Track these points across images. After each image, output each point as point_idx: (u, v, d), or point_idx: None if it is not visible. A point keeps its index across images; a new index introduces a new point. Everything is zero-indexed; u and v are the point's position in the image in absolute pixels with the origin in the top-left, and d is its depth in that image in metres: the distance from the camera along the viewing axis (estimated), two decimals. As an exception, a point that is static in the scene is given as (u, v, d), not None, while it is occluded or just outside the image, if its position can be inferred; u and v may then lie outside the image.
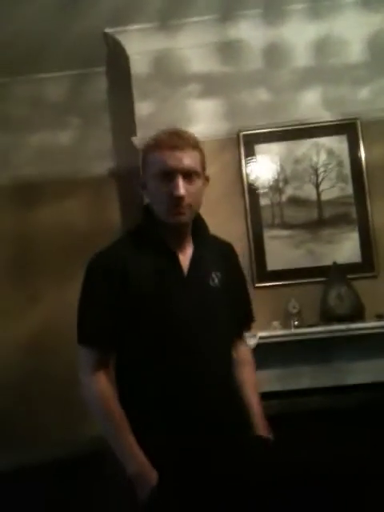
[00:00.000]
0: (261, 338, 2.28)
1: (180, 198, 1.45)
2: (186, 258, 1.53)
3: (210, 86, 2.70)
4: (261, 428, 1.56)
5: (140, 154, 2.55)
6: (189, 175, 1.46)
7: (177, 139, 1.46)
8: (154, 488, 1.41)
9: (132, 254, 1.50)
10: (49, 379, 2.77)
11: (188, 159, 1.45)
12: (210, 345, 1.50)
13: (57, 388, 2.70)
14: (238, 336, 1.66)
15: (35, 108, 3.06)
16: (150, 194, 1.51)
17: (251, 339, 2.07)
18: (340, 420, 2.48)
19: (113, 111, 3.05)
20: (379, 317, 2.47)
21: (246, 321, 1.70)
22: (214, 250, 1.60)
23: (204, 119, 2.67)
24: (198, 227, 1.57)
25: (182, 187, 1.44)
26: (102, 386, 1.48)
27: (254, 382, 1.63)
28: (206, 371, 1.49)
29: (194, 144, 1.49)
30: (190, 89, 2.71)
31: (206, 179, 1.54)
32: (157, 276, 1.49)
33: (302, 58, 2.70)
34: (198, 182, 1.49)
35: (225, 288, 1.55)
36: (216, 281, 1.53)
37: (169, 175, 1.45)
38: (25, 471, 2.52)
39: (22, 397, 2.78)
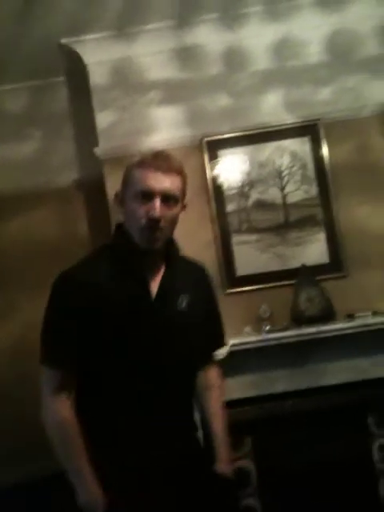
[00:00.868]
0: (233, 345, 2.26)
1: (156, 220, 1.43)
2: (156, 279, 1.51)
3: (171, 92, 2.68)
4: (222, 461, 1.55)
5: (104, 166, 2.59)
6: (168, 199, 1.44)
7: (161, 162, 1.45)
8: None
9: (99, 275, 1.48)
10: (32, 384, 2.72)
11: (169, 183, 1.44)
12: (173, 369, 1.48)
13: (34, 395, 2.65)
14: (208, 359, 1.65)
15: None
16: (126, 212, 1.49)
17: (222, 348, 2.05)
18: (317, 422, 2.49)
19: (75, 121, 3.02)
20: (349, 317, 2.48)
21: (216, 345, 1.68)
22: (185, 271, 1.57)
23: (166, 127, 2.65)
24: (171, 249, 1.55)
25: (159, 209, 1.42)
26: (61, 409, 1.46)
27: (220, 409, 1.61)
28: (169, 395, 1.47)
29: (177, 169, 1.48)
30: (151, 96, 2.69)
31: (184, 207, 1.53)
32: (124, 300, 1.47)
33: (261, 60, 2.69)
34: (176, 209, 1.48)
35: (193, 312, 1.53)
36: (184, 304, 1.52)
37: (148, 196, 1.43)
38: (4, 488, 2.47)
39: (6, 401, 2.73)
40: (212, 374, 1.66)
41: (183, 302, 1.52)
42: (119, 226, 1.53)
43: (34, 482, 2.46)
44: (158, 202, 1.42)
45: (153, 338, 1.48)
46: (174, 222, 1.49)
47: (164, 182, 1.43)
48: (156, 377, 1.46)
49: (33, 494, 2.46)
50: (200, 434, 1.58)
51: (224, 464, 1.55)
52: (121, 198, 1.51)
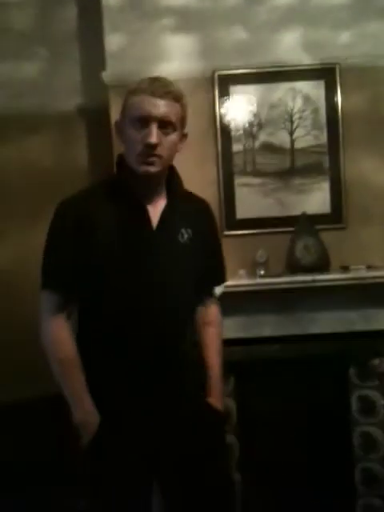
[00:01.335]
0: (227, 286, 2.26)
1: (152, 146, 1.42)
2: (156, 211, 1.51)
3: (186, 21, 2.56)
4: (214, 394, 1.58)
5: (111, 92, 2.50)
6: (164, 125, 1.43)
7: (159, 86, 1.43)
8: (95, 435, 1.44)
9: (100, 203, 1.48)
10: (17, 317, 2.73)
11: (166, 108, 1.43)
12: (172, 300, 1.50)
13: (24, 326, 2.66)
14: (208, 294, 1.66)
15: (-1, 35, 2.88)
16: (124, 139, 1.48)
17: (217, 287, 2.06)
18: (300, 368, 2.54)
19: (82, 43, 2.88)
20: (344, 269, 2.48)
21: (215, 281, 1.69)
22: (187, 206, 1.57)
23: (178, 56, 2.54)
24: (173, 182, 1.54)
25: (155, 135, 1.41)
26: (58, 330, 1.50)
27: (217, 344, 1.64)
28: (165, 324, 1.49)
29: (176, 96, 1.45)
30: (165, 23, 2.56)
31: (184, 136, 1.51)
32: (124, 228, 1.47)
33: (283, -5, 2.57)
34: (174, 135, 1.47)
35: (194, 245, 1.54)
36: (185, 237, 1.52)
37: (144, 121, 1.42)
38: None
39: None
40: (212, 311, 1.68)
41: (184, 235, 1.52)
42: (120, 157, 1.52)
43: (26, 404, 2.51)
44: (154, 128, 1.41)
45: (152, 268, 1.48)
46: (172, 150, 1.48)
47: (160, 107, 1.42)
48: (153, 305, 1.48)
49: (27, 416, 2.52)
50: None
51: (216, 398, 1.59)
52: (120, 126, 1.49)
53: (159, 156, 1.44)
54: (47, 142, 2.89)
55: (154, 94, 1.42)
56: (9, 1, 2.86)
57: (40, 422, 2.51)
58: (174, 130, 1.46)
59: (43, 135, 2.89)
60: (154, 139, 1.42)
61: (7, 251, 2.84)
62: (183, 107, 1.49)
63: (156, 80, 1.46)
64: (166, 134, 1.44)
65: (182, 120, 1.50)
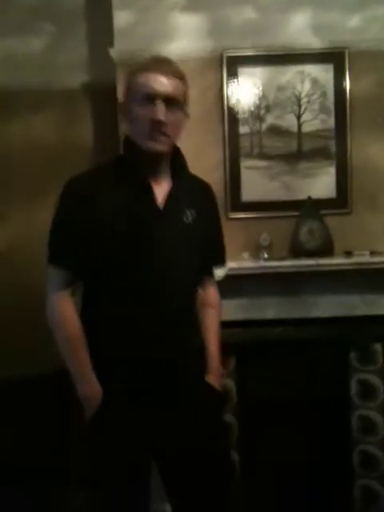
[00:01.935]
0: (230, 269, 2.27)
1: (160, 123, 1.44)
2: (162, 191, 1.52)
3: (195, -1, 2.54)
4: (212, 373, 1.61)
5: (118, 69, 2.48)
6: (171, 103, 1.45)
7: (163, 66, 1.47)
8: (98, 410, 1.47)
9: (107, 182, 1.50)
10: (19, 295, 2.74)
11: (172, 86, 1.45)
12: (177, 279, 1.51)
13: (27, 304, 2.67)
14: (207, 276, 1.67)
15: (5, 10, 2.83)
16: (131, 119, 1.49)
17: (220, 270, 2.06)
18: (301, 350, 2.56)
19: (90, 19, 2.84)
20: (347, 254, 2.49)
21: (216, 262, 1.71)
22: (191, 187, 1.59)
23: (187, 35, 2.51)
24: (178, 163, 1.56)
25: (162, 112, 1.43)
26: (63, 306, 1.52)
27: (216, 326, 1.67)
28: (169, 304, 1.51)
29: (179, 75, 1.49)
30: (174, 1, 2.53)
31: (186, 115, 1.54)
32: (130, 207, 1.49)
33: (294, -23, 2.54)
34: (179, 114, 1.49)
35: (197, 226, 1.56)
36: (189, 218, 1.54)
37: (151, 99, 1.44)
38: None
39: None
40: (211, 293, 1.70)
41: (189, 215, 1.54)
42: (126, 138, 1.54)
43: (29, 379, 2.53)
44: (160, 105, 1.44)
45: (158, 247, 1.50)
46: (177, 128, 1.50)
47: (167, 84, 1.45)
48: (159, 284, 1.50)
49: (31, 391, 2.54)
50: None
51: (214, 376, 1.61)
52: (125, 106, 1.51)
53: (166, 134, 1.46)
54: (52, 118, 2.87)
55: (158, 72, 1.45)
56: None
57: (41, 399, 2.53)
58: (179, 107, 1.49)
59: (48, 112, 2.87)
60: (161, 116, 1.44)
61: (12, 228, 2.83)
62: (186, 84, 1.52)
63: (159, 59, 1.50)
64: (172, 112, 1.46)
65: (186, 98, 1.52)
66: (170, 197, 1.52)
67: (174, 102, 1.46)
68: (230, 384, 2.56)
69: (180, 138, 1.55)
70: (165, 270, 1.49)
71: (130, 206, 1.49)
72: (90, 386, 1.48)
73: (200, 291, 1.66)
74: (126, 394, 1.48)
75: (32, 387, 2.53)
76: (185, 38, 2.52)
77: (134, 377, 1.49)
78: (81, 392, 1.49)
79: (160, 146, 1.47)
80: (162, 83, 1.44)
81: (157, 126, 1.44)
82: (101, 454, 1.51)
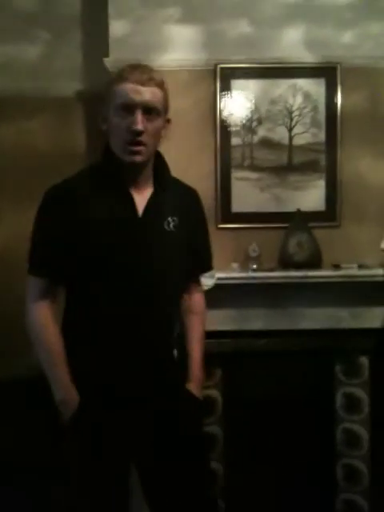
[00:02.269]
0: (219, 278, 2.28)
1: (138, 133, 1.44)
2: (143, 199, 1.52)
3: (191, 11, 2.56)
4: (194, 382, 1.61)
5: (107, 83, 2.50)
6: (149, 112, 1.45)
7: (141, 74, 1.45)
8: (74, 415, 1.47)
9: (87, 190, 1.50)
10: (12, 297, 2.73)
11: (149, 95, 1.45)
12: (157, 286, 1.51)
13: (17, 306, 2.67)
14: (193, 283, 1.67)
15: (1, 16, 2.85)
16: (110, 129, 1.50)
17: (209, 279, 2.07)
18: (287, 362, 2.57)
19: (85, 28, 2.87)
20: (335, 267, 2.51)
21: (202, 268, 1.71)
22: (174, 193, 1.59)
23: (181, 46, 2.54)
24: (160, 169, 1.56)
25: (141, 122, 1.43)
26: (42, 314, 1.51)
27: (200, 333, 1.66)
28: (150, 311, 1.51)
29: (158, 82, 1.48)
30: (170, 12, 2.55)
31: (167, 121, 1.53)
32: (110, 215, 1.48)
33: (288, -9, 2.58)
34: (159, 121, 1.49)
35: (181, 233, 1.55)
36: (171, 225, 1.54)
37: (129, 109, 1.44)
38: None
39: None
40: (197, 300, 1.70)
41: (171, 223, 1.54)
42: (106, 145, 1.54)
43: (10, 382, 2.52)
44: (139, 115, 1.44)
45: (137, 256, 1.50)
46: (157, 136, 1.50)
47: (144, 93, 1.44)
48: (138, 293, 1.50)
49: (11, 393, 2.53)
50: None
51: (195, 385, 1.61)
52: (104, 116, 1.51)
53: (145, 144, 1.46)
54: (45, 125, 2.88)
55: (136, 82, 1.44)
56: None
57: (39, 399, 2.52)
58: (159, 115, 1.48)
59: (42, 118, 2.88)
60: (139, 126, 1.44)
61: (4, 231, 2.83)
62: (165, 92, 1.51)
63: (138, 67, 1.49)
64: (151, 121, 1.46)
65: (166, 105, 1.52)
66: (150, 204, 1.52)
67: (152, 111, 1.46)
68: (216, 394, 2.56)
69: (160, 144, 1.55)
70: (145, 277, 1.49)
71: (110, 214, 1.48)
72: (65, 392, 1.48)
73: (185, 297, 1.66)
74: (104, 399, 1.48)
75: (29, 387, 2.52)
76: (179, 49, 2.54)
77: (112, 382, 1.49)
78: (57, 397, 1.49)
79: (139, 158, 1.47)
80: (140, 92, 1.44)
81: (135, 136, 1.44)
82: (77, 459, 1.51)
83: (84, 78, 2.89)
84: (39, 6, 2.88)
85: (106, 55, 2.57)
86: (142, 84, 1.45)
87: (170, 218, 1.54)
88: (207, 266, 1.72)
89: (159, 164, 1.57)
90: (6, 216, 2.85)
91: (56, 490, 2.25)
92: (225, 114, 2.58)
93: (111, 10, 2.55)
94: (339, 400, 2.59)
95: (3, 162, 2.87)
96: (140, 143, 1.46)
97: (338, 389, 2.59)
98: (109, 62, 2.54)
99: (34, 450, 2.45)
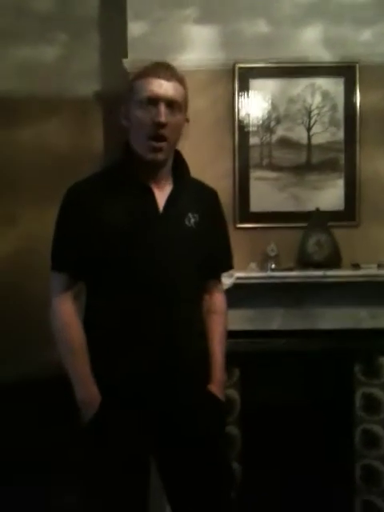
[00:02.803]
0: (237, 278, 2.28)
1: (162, 125, 1.45)
2: (163, 195, 1.53)
3: (209, 11, 2.56)
4: (215, 381, 1.59)
5: (130, 79, 2.51)
6: (171, 106, 1.47)
7: (164, 70, 1.48)
8: (96, 414, 1.47)
9: (108, 187, 1.51)
10: (27, 298, 2.76)
11: (172, 89, 1.47)
12: (177, 283, 1.51)
13: (34, 308, 2.69)
14: (213, 281, 1.66)
15: (20, 19, 2.87)
16: (132, 124, 1.51)
17: (228, 279, 2.07)
18: (306, 362, 2.56)
19: (103, 29, 2.87)
20: (355, 266, 2.49)
21: (222, 267, 1.70)
22: (194, 192, 1.59)
23: (199, 47, 2.54)
24: (179, 168, 1.57)
25: (163, 114, 1.45)
26: (64, 309, 1.52)
27: (221, 333, 1.64)
28: (169, 309, 1.50)
29: (179, 78, 1.50)
30: (188, 13, 2.56)
31: (186, 120, 1.55)
32: (130, 210, 1.49)
33: (306, -10, 2.57)
34: (180, 116, 1.50)
35: (201, 231, 1.55)
36: (192, 222, 1.54)
37: (153, 102, 1.46)
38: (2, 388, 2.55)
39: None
40: (217, 299, 1.69)
41: (191, 219, 1.54)
42: (126, 143, 1.55)
43: (31, 382, 2.54)
44: (162, 107, 1.46)
45: (158, 251, 1.50)
46: (177, 132, 1.51)
47: (167, 88, 1.47)
48: (159, 288, 1.49)
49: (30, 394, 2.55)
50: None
51: (217, 386, 1.60)
52: (125, 112, 1.52)
53: (166, 139, 1.47)
54: (64, 126, 2.89)
55: (160, 77, 1.47)
56: (30, -16, 2.87)
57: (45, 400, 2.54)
58: (180, 111, 1.50)
59: (60, 120, 2.89)
60: (162, 118, 1.45)
61: (23, 233, 2.85)
62: (186, 89, 1.53)
63: (161, 64, 1.52)
64: (173, 114, 1.48)
65: (186, 103, 1.54)
66: (171, 200, 1.53)
67: (174, 105, 1.48)
68: (234, 394, 2.56)
69: (180, 142, 1.56)
70: (166, 273, 1.49)
71: (131, 209, 1.50)
72: (87, 390, 1.48)
73: (206, 297, 1.65)
74: (124, 398, 1.48)
75: (43, 387, 2.54)
76: (197, 49, 2.55)
77: (133, 381, 1.49)
78: (78, 396, 1.50)
79: (160, 155, 1.49)
80: (163, 87, 1.46)
81: (158, 129, 1.46)
82: (98, 458, 1.51)
83: (102, 79, 2.91)
84: (57, 7, 2.90)
85: (124, 56, 2.58)
86: (166, 79, 1.47)
87: (190, 214, 1.54)
88: (227, 265, 1.72)
89: (179, 162, 1.57)
90: (25, 217, 2.86)
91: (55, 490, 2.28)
92: (243, 113, 2.57)
93: (129, 11, 2.56)
94: (358, 401, 2.58)
95: (22, 164, 2.88)
96: (162, 137, 1.47)
97: (358, 389, 2.57)
98: (127, 63, 2.55)
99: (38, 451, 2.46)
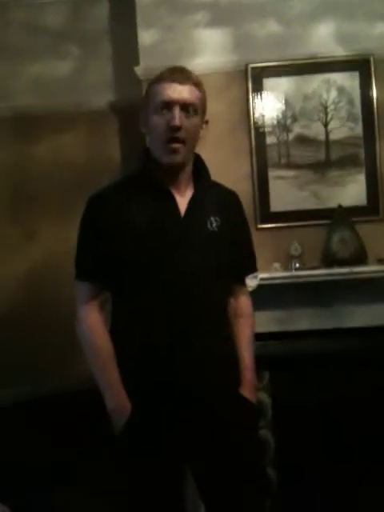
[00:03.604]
0: (262, 279, 2.26)
1: (176, 128, 1.45)
2: (184, 200, 1.52)
3: (219, 15, 2.56)
4: (246, 385, 1.57)
5: (143, 87, 2.52)
6: (187, 109, 1.47)
7: (178, 74, 1.49)
8: (127, 423, 1.45)
9: (129, 194, 1.52)
10: (48, 313, 2.77)
11: (187, 92, 1.47)
12: (200, 287, 1.49)
13: (56, 323, 2.70)
14: (238, 285, 1.65)
15: (33, 35, 2.92)
16: (149, 129, 1.52)
17: (252, 280, 2.05)
18: (337, 362, 2.51)
19: (114, 40, 2.91)
20: (381, 261, 2.45)
21: (245, 270, 1.68)
22: (215, 195, 1.59)
23: (211, 50, 2.55)
24: (200, 171, 1.57)
25: (178, 117, 1.46)
26: (91, 318, 1.52)
27: (248, 336, 1.63)
28: (195, 313, 1.49)
29: (195, 81, 1.50)
30: (198, 18, 2.57)
31: (205, 122, 1.55)
32: (152, 216, 1.49)
33: (316, -13, 2.55)
34: (196, 119, 1.50)
35: (223, 234, 1.54)
36: (214, 225, 1.53)
37: (167, 106, 1.47)
38: (22, 405, 2.56)
39: (21, 331, 2.78)
40: (243, 303, 1.67)
41: (213, 222, 1.53)
42: (145, 150, 1.56)
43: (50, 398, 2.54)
44: (177, 111, 1.46)
45: (182, 256, 1.49)
46: (195, 134, 1.51)
47: (182, 91, 1.47)
48: (184, 293, 1.48)
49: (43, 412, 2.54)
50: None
51: (248, 389, 1.57)
52: (144, 119, 1.54)
53: (183, 141, 1.47)
54: (80, 139, 2.92)
55: (174, 81, 1.48)
56: (42, 0, 2.91)
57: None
58: (196, 113, 1.50)
59: (76, 132, 2.92)
60: (177, 121, 1.45)
61: (43, 247, 2.87)
62: (203, 92, 1.53)
63: (176, 69, 1.52)
64: (189, 118, 1.48)
65: (203, 105, 1.53)
66: (192, 204, 1.52)
67: (190, 109, 1.48)
68: (265, 398, 2.52)
69: (198, 144, 1.56)
70: (190, 277, 1.48)
71: (152, 214, 1.49)
72: (118, 399, 1.47)
73: (231, 301, 1.63)
74: (155, 405, 1.47)
75: (63, 403, 2.54)
76: (209, 53, 2.55)
77: (163, 387, 1.47)
78: (109, 405, 1.48)
79: (178, 157, 1.48)
80: (178, 90, 1.47)
81: (174, 132, 1.46)
82: (132, 468, 1.49)
83: (116, 89, 2.93)
84: (68, 22, 2.94)
85: (136, 65, 2.59)
86: (180, 82, 1.48)
87: (212, 218, 1.53)
88: (251, 268, 1.70)
89: (199, 166, 1.57)
90: (44, 232, 2.88)
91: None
92: (258, 113, 2.56)
93: (139, 19, 2.58)
94: (394, 400, 2.52)
95: (40, 179, 2.92)
96: (178, 140, 1.47)
97: (393, 388, 2.52)
98: (139, 71, 2.57)
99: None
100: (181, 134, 1.47)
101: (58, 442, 2.50)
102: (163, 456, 1.47)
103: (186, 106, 1.47)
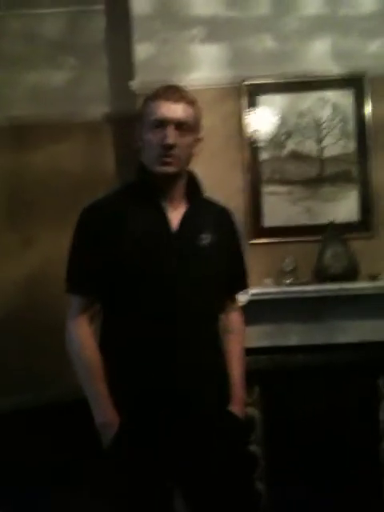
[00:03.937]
0: (253, 294, 2.26)
1: (170, 147, 1.47)
2: (178, 214, 1.53)
3: (215, 30, 2.58)
4: (235, 402, 1.57)
5: (138, 100, 2.53)
6: (181, 127, 1.49)
7: (173, 92, 1.50)
8: (115, 436, 1.45)
9: (121, 207, 1.52)
10: (46, 319, 2.76)
11: (181, 111, 1.49)
12: (191, 302, 1.50)
13: (53, 330, 2.69)
14: (229, 301, 1.65)
15: (30, 45, 2.93)
16: (143, 145, 1.53)
17: (243, 295, 2.05)
18: (327, 377, 2.52)
19: (110, 53, 2.93)
20: (373, 277, 2.46)
21: (237, 287, 1.69)
22: (209, 211, 1.60)
23: (206, 65, 2.56)
24: (193, 187, 1.57)
25: (172, 136, 1.47)
26: (80, 331, 1.52)
27: (239, 352, 1.63)
28: (185, 328, 1.49)
29: (189, 100, 1.52)
30: (194, 33, 2.58)
31: (199, 139, 1.56)
32: (144, 230, 1.50)
33: (311, 5, 2.58)
34: (189, 137, 1.52)
35: (215, 250, 1.55)
36: (206, 241, 1.53)
37: (161, 124, 1.48)
38: (19, 413, 2.55)
39: (18, 337, 2.78)
40: (235, 318, 1.67)
41: (206, 239, 1.54)
42: (141, 164, 1.56)
43: (48, 407, 2.53)
44: (171, 130, 1.47)
45: (173, 270, 1.49)
46: (188, 151, 1.52)
47: (176, 110, 1.48)
48: (175, 308, 1.49)
49: (47, 419, 2.54)
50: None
51: (237, 406, 1.57)
52: (138, 134, 1.54)
53: (176, 156, 1.48)
54: (76, 149, 2.93)
55: (169, 99, 1.49)
56: (39, 11, 2.93)
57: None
58: (190, 131, 1.51)
59: (72, 143, 2.93)
60: (170, 140, 1.47)
61: (40, 253, 2.89)
62: (197, 110, 1.54)
63: (170, 87, 1.53)
64: (182, 136, 1.49)
65: (197, 123, 1.55)
66: (185, 219, 1.53)
67: (184, 127, 1.49)
68: (255, 413, 2.52)
69: (192, 161, 1.56)
70: (181, 293, 1.48)
71: (144, 228, 1.50)
72: (106, 414, 1.47)
73: (222, 317, 1.63)
74: (143, 419, 1.47)
75: (54, 414, 2.53)
76: (205, 68, 2.57)
77: (152, 401, 1.47)
78: (97, 419, 1.48)
79: (170, 168, 1.49)
80: (172, 109, 1.48)
81: (167, 150, 1.47)
82: (119, 483, 1.49)
83: (111, 101, 2.95)
84: (65, 33, 2.96)
85: (132, 78, 2.61)
86: (174, 101, 1.48)
87: (204, 234, 1.54)
88: (243, 285, 1.71)
89: (192, 182, 1.58)
90: (40, 240, 2.89)
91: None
92: (253, 129, 2.58)
93: (136, 33, 2.59)
94: (383, 414, 2.52)
95: (36, 187, 2.93)
96: (171, 156, 1.48)
97: (382, 403, 2.52)
98: (135, 85, 2.58)
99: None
100: (174, 152, 1.48)
101: (58, 446, 2.50)
102: (150, 473, 1.46)
103: (179, 125, 1.48)
